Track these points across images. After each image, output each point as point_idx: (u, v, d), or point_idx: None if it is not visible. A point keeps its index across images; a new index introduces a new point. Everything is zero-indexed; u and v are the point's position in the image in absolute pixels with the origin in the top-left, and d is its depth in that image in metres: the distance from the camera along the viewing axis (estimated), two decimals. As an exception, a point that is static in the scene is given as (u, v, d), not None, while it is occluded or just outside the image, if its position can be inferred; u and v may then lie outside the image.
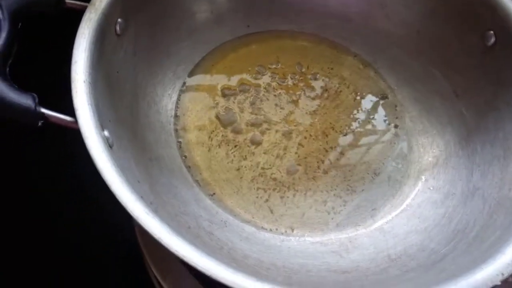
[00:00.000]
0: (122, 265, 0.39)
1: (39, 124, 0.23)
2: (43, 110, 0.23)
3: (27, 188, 0.40)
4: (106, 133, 0.25)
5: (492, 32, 0.33)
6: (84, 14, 0.27)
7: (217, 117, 0.35)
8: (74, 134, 0.23)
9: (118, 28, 0.30)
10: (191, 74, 0.37)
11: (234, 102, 0.36)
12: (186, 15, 0.37)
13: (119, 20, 0.30)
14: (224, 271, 0.21)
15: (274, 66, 0.38)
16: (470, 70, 0.35)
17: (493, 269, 0.22)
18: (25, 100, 0.23)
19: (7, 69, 0.24)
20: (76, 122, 0.24)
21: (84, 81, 0.25)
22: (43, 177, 0.41)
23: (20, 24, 0.25)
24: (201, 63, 0.38)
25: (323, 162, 0.35)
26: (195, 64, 0.38)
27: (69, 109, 0.24)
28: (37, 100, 0.24)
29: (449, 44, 0.36)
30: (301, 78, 0.38)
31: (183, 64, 0.37)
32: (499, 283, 0.21)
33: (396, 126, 0.37)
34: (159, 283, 0.36)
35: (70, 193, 0.40)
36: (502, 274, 0.21)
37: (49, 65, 0.32)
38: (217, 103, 0.36)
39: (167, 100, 0.35)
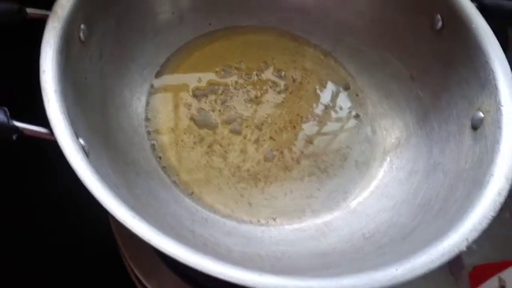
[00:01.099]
0: (102, 268, 0.39)
1: (14, 138, 0.23)
2: (17, 124, 0.23)
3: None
4: (81, 141, 0.25)
5: (439, 16, 0.35)
6: (47, 23, 0.26)
7: (191, 118, 0.36)
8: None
9: (81, 34, 0.30)
10: (157, 75, 0.37)
11: (205, 102, 0.37)
12: (148, 17, 0.37)
13: (82, 26, 0.30)
14: (218, 266, 0.21)
15: (239, 63, 0.39)
16: (422, 54, 0.37)
17: (458, 236, 0.24)
18: (-4, 116, 0.23)
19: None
20: (51, 133, 0.23)
21: (55, 91, 0.24)
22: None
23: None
24: (166, 64, 0.38)
25: (294, 152, 0.36)
26: (160, 65, 0.38)
27: (39, 119, 0.24)
28: (8, 113, 0.23)
29: (402, 30, 0.38)
30: (266, 72, 0.40)
31: (149, 66, 0.37)
32: (465, 248, 0.23)
33: (358, 113, 0.39)
34: (141, 283, 0.36)
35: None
36: (467, 240, 0.24)
37: (13, 76, 0.31)
38: (190, 105, 0.36)
39: (136, 103, 0.35)
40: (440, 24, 0.35)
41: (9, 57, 0.34)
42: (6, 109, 0.23)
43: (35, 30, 0.27)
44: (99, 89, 0.32)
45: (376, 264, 0.26)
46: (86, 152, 0.24)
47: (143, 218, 0.23)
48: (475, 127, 0.32)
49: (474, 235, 0.24)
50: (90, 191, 0.22)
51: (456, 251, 0.23)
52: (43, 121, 0.24)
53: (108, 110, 0.32)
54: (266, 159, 0.35)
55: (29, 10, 0.27)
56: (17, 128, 0.23)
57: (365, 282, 0.22)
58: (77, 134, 0.24)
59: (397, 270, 0.22)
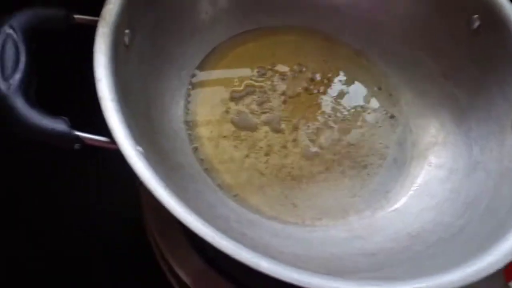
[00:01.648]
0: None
1: (76, 147, 0.23)
2: (78, 133, 0.23)
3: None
4: (140, 149, 0.25)
5: (476, 16, 0.35)
6: (98, 29, 0.26)
7: (231, 121, 0.35)
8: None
9: (126, 39, 0.29)
10: (194, 78, 0.37)
11: (243, 105, 0.36)
12: (183, 18, 0.37)
13: (126, 31, 0.29)
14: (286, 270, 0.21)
15: (272, 64, 0.39)
16: (457, 53, 0.37)
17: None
18: (59, 125, 0.22)
19: (33, 94, 0.23)
20: (111, 142, 0.23)
21: (112, 100, 0.24)
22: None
23: (34, 45, 0.24)
24: (201, 66, 0.38)
25: (333, 152, 0.36)
26: (196, 67, 0.38)
27: (93, 127, 0.24)
28: (69, 123, 0.23)
29: (436, 29, 0.38)
30: (299, 73, 0.39)
31: (185, 68, 0.37)
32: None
33: (393, 113, 0.39)
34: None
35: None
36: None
37: (62, 84, 0.31)
38: (229, 107, 0.36)
39: (175, 107, 0.35)
40: (477, 23, 0.35)
41: (57, 66, 0.33)
42: (66, 119, 0.23)
43: (79, 36, 0.27)
44: (142, 95, 0.31)
45: (428, 265, 0.27)
46: (146, 159, 0.24)
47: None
48: (517, 128, 0.32)
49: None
50: (159, 200, 0.22)
51: (509, 258, 0.23)
52: (93, 127, 0.24)
53: (152, 116, 0.32)
54: (306, 160, 0.35)
55: (77, 16, 0.27)
56: (78, 137, 0.23)
57: (435, 285, 0.22)
58: (135, 141, 0.24)
59: (465, 270, 0.22)
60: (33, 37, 0.24)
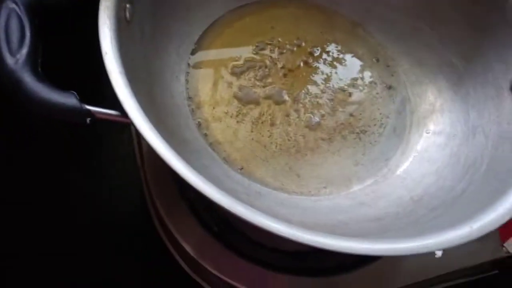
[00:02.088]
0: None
1: (87, 121, 0.23)
2: (89, 107, 0.23)
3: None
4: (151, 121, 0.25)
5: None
6: (100, 3, 0.26)
7: (233, 96, 0.36)
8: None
9: (127, 14, 0.29)
10: (193, 53, 0.37)
11: (245, 79, 0.36)
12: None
13: (127, 5, 0.29)
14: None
15: (271, 38, 0.39)
16: (453, 20, 0.37)
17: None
18: (69, 99, 0.22)
19: (39, 68, 0.23)
20: (122, 115, 0.23)
21: (120, 73, 0.24)
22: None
23: (37, 20, 0.24)
24: (200, 42, 0.38)
25: (334, 123, 0.37)
26: (194, 42, 0.37)
27: (100, 102, 0.24)
28: (78, 97, 0.23)
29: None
30: (298, 46, 0.39)
31: (184, 44, 0.37)
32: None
33: (391, 83, 0.40)
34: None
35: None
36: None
37: (66, 59, 0.31)
38: (230, 82, 0.36)
39: (176, 83, 0.35)
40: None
41: (60, 42, 0.33)
42: (75, 93, 0.23)
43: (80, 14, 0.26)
44: (144, 71, 0.31)
45: (434, 226, 0.27)
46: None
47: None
48: (514, 88, 0.33)
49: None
50: (176, 170, 0.22)
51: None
52: (100, 102, 0.24)
53: (154, 92, 0.32)
54: (308, 131, 0.36)
55: (78, -10, 0.26)
56: (89, 111, 0.23)
57: (444, 240, 0.23)
58: (145, 113, 0.24)
59: (471, 227, 0.23)
60: (37, 11, 0.24)
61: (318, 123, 0.36)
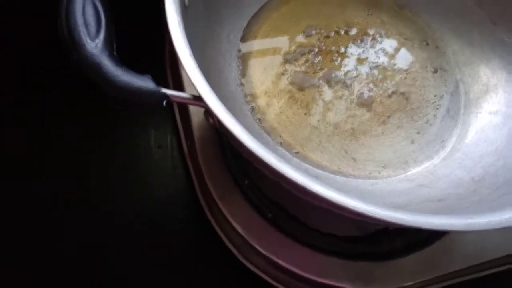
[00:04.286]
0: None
1: (164, 104, 0.23)
2: (164, 90, 0.23)
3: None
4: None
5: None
6: (165, -12, 0.26)
7: (288, 81, 0.35)
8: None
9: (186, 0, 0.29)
10: (242, 40, 0.37)
11: (297, 65, 0.36)
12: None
13: (185, -9, 0.29)
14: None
15: (318, 22, 0.39)
16: (505, -2, 0.37)
17: None
18: (147, 83, 0.22)
19: (115, 53, 0.23)
20: (194, 98, 0.23)
21: (190, 55, 0.24)
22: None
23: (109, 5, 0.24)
24: (248, 28, 0.38)
25: (388, 106, 0.36)
26: (243, 29, 0.37)
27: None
28: (154, 81, 0.23)
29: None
30: (345, 28, 0.39)
31: (234, 31, 0.37)
32: None
33: (441, 64, 0.39)
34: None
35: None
36: None
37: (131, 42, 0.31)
38: (282, 68, 0.36)
39: (228, 70, 0.35)
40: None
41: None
42: (150, 76, 0.23)
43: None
44: (200, 58, 0.31)
45: (502, 203, 0.27)
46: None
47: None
48: None
49: None
50: (252, 151, 0.22)
51: None
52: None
53: (210, 79, 0.32)
54: (362, 115, 0.36)
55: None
56: (165, 94, 0.23)
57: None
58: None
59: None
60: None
61: (371, 106, 0.36)
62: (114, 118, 0.42)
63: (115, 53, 0.23)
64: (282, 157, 0.33)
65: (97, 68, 0.21)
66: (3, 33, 0.41)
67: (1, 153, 0.39)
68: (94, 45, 0.21)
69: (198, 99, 0.23)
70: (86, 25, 0.22)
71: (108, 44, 0.22)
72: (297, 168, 0.33)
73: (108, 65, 0.21)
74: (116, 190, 0.40)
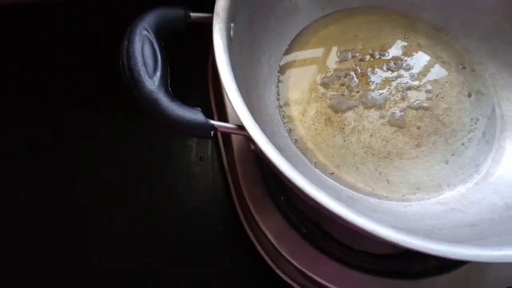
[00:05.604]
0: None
1: (211, 134, 0.25)
2: (213, 122, 0.25)
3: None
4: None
5: None
6: (214, 25, 0.28)
7: (324, 104, 0.37)
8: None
9: (232, 32, 0.31)
10: (282, 63, 0.39)
11: (333, 88, 0.38)
12: (271, 7, 0.38)
13: (231, 24, 0.31)
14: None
15: (355, 46, 0.40)
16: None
17: None
18: (197, 116, 0.25)
19: (169, 88, 0.25)
20: (238, 129, 0.26)
21: (236, 90, 0.26)
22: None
23: (163, 44, 0.27)
24: (288, 52, 0.40)
25: (422, 128, 0.37)
26: (283, 53, 0.39)
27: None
28: (203, 113, 0.25)
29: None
30: (381, 52, 0.40)
31: (274, 55, 0.39)
32: None
33: (478, 88, 0.39)
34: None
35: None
36: None
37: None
38: (319, 91, 0.38)
39: (268, 93, 0.37)
40: None
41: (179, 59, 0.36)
42: (200, 109, 0.26)
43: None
44: (243, 83, 0.34)
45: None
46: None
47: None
48: None
49: None
50: (291, 181, 0.24)
51: None
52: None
53: (251, 103, 0.34)
54: (397, 137, 0.37)
55: (193, 14, 0.29)
56: (213, 126, 0.25)
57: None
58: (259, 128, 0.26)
59: None
60: (163, 36, 0.27)
61: (407, 130, 0.37)
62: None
63: (169, 88, 0.25)
64: (317, 177, 0.35)
65: (154, 104, 0.24)
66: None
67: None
68: (152, 82, 0.24)
69: (242, 129, 0.25)
70: (145, 64, 0.24)
71: (164, 80, 0.25)
72: (332, 189, 0.34)
73: (164, 100, 0.24)
74: (156, 202, 0.43)
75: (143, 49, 0.25)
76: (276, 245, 0.37)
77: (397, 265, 0.37)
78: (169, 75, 0.26)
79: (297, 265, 0.37)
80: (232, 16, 0.31)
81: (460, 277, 0.36)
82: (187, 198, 0.43)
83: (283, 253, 0.37)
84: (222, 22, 0.29)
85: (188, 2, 0.30)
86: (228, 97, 0.26)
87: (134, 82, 0.24)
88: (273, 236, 0.38)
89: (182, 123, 0.24)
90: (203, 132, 0.25)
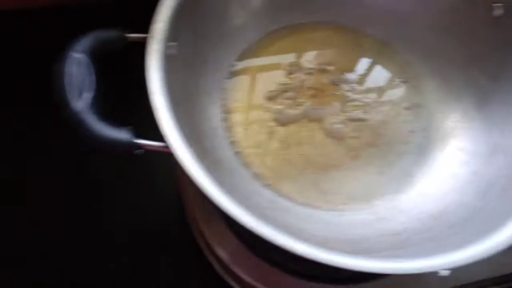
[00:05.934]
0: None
1: (138, 153, 0.27)
2: (139, 141, 0.27)
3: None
4: (192, 150, 0.28)
5: (500, 4, 0.36)
6: (149, 46, 0.30)
7: (268, 117, 0.39)
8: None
9: (173, 51, 0.33)
10: (229, 78, 0.41)
11: (278, 101, 0.40)
12: (218, 23, 0.39)
13: (173, 43, 0.33)
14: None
15: (302, 60, 0.42)
16: (481, 40, 0.38)
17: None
18: (123, 135, 0.27)
19: (99, 109, 0.27)
20: (166, 146, 0.27)
21: (164, 109, 0.28)
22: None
23: (96, 66, 0.28)
24: (235, 66, 0.41)
25: (359, 140, 0.39)
26: (230, 67, 0.41)
27: (149, 133, 0.28)
28: (131, 133, 0.27)
29: (460, 17, 0.39)
30: (327, 66, 0.42)
31: (220, 69, 0.40)
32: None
33: (418, 102, 0.41)
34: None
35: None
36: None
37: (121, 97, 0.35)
38: (263, 104, 0.40)
39: (213, 106, 0.39)
40: (500, 11, 0.36)
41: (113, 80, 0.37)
42: (129, 128, 0.27)
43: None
44: (185, 99, 0.35)
45: (450, 243, 0.30)
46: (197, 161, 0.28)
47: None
48: (536, 110, 0.34)
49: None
50: (208, 195, 0.26)
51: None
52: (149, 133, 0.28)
53: (193, 117, 0.36)
54: (334, 148, 0.38)
55: (129, 35, 0.31)
56: (139, 145, 0.27)
57: (453, 260, 0.25)
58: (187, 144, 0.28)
59: (483, 246, 0.25)
60: (97, 57, 0.28)
61: (344, 141, 0.39)
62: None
63: (100, 108, 0.27)
64: (254, 189, 0.37)
65: (80, 124, 0.26)
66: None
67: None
68: (80, 103, 0.26)
69: (169, 148, 0.27)
70: (74, 85, 0.26)
71: (93, 101, 0.27)
72: (268, 200, 0.36)
73: (91, 121, 0.26)
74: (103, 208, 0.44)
75: (75, 71, 0.27)
76: (224, 258, 0.39)
77: (329, 272, 0.39)
78: (100, 96, 0.27)
79: (245, 277, 0.38)
80: (173, 35, 0.32)
81: (394, 282, 0.38)
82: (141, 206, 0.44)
83: (231, 265, 0.39)
84: (158, 43, 0.30)
85: (135, 22, 0.32)
86: (155, 116, 0.28)
87: (62, 103, 0.26)
88: (221, 249, 0.39)
89: (107, 143, 0.26)
90: (128, 150, 0.27)
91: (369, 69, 0.42)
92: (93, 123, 0.26)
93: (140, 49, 0.30)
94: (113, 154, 0.27)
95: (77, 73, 0.27)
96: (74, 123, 0.26)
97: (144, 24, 0.31)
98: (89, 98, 0.26)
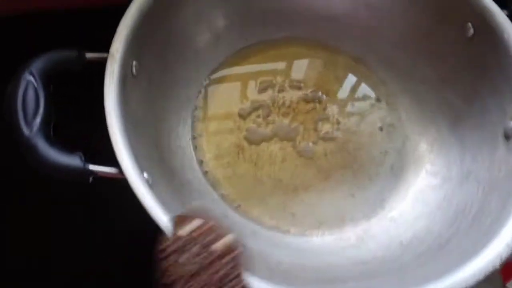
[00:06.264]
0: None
1: (90, 180, 0.26)
2: (91, 167, 0.26)
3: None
4: (145, 175, 0.28)
5: (470, 24, 0.36)
6: (107, 68, 0.29)
7: (239, 136, 0.38)
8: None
9: (134, 70, 0.32)
10: (199, 96, 0.40)
11: (249, 120, 0.39)
12: (187, 39, 0.39)
13: (134, 62, 0.32)
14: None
15: (274, 77, 0.41)
16: (454, 60, 0.38)
17: (492, 253, 0.26)
18: (74, 161, 0.26)
19: (51, 133, 0.26)
20: (121, 172, 0.26)
21: (120, 132, 0.27)
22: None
23: (51, 86, 0.27)
24: (206, 83, 0.40)
25: (333, 163, 0.38)
26: (202, 85, 0.40)
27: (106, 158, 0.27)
28: (83, 158, 0.26)
29: (433, 37, 0.39)
30: (300, 84, 0.41)
31: (191, 87, 0.39)
32: (498, 267, 0.25)
33: (391, 121, 0.41)
34: None
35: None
36: (501, 258, 0.26)
37: (78, 119, 0.34)
38: (235, 123, 0.39)
39: (182, 126, 0.38)
40: (471, 31, 0.36)
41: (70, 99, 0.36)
42: (81, 154, 0.26)
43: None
44: (150, 118, 0.34)
45: (415, 276, 0.29)
46: (150, 185, 0.27)
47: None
48: (507, 136, 0.33)
49: (508, 252, 0.26)
50: (157, 223, 0.25)
51: (490, 269, 0.25)
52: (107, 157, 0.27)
53: (160, 136, 0.35)
54: (306, 170, 0.38)
55: (88, 55, 0.30)
56: (91, 171, 0.26)
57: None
58: (141, 169, 0.27)
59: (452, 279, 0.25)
60: (50, 79, 0.27)
61: (315, 162, 0.38)
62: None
63: (51, 133, 0.26)
64: (222, 210, 0.36)
65: (31, 150, 0.24)
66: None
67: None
68: (30, 129, 0.25)
69: (122, 174, 0.26)
70: (24, 110, 0.25)
71: (44, 126, 0.26)
72: (237, 223, 0.35)
73: (41, 146, 0.25)
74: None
75: (25, 95, 0.26)
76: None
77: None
78: (52, 120, 0.26)
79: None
80: (134, 54, 0.32)
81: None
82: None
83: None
84: (117, 63, 0.29)
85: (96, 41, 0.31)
86: (111, 139, 0.27)
87: (12, 128, 0.25)
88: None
89: (58, 170, 0.25)
90: (79, 177, 0.26)
91: (343, 87, 0.42)
92: (44, 148, 0.25)
93: (101, 68, 0.29)
94: (67, 180, 0.25)
95: (29, 96, 0.26)
96: (24, 149, 0.25)
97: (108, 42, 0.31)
98: (41, 122, 0.25)
